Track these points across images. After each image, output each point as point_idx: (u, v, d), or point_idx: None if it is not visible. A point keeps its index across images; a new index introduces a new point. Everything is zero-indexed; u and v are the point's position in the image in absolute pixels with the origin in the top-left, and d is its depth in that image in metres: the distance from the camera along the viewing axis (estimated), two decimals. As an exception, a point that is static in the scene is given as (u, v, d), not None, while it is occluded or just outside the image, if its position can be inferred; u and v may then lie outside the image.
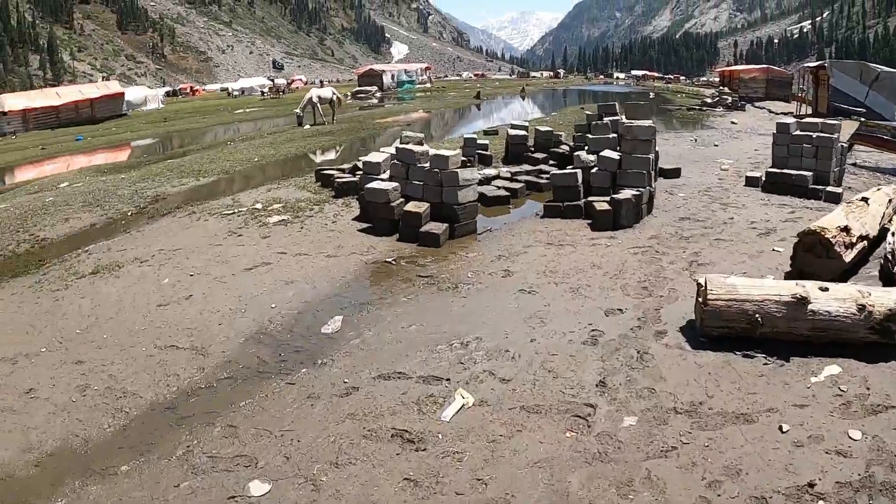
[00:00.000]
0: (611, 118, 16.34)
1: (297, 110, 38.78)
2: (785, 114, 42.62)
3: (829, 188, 15.80)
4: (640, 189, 13.34)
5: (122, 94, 79.94)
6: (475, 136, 20.16)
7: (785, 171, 16.32)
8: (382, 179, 13.90)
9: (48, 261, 13.33)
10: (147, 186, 20.67)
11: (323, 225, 13.96)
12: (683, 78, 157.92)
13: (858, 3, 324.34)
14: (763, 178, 16.86)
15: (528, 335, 8.16)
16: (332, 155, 27.19)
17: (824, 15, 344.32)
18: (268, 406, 6.97)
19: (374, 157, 15.00)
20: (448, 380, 7.16)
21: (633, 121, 14.42)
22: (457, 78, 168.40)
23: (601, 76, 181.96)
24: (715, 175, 18.99)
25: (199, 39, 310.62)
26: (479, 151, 19.43)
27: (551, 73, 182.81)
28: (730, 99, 50.41)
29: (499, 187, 16.08)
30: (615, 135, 14.92)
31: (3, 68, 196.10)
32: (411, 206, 12.70)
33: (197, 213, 15.94)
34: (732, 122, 36.91)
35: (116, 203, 18.46)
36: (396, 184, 13.33)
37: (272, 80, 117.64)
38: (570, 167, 15.08)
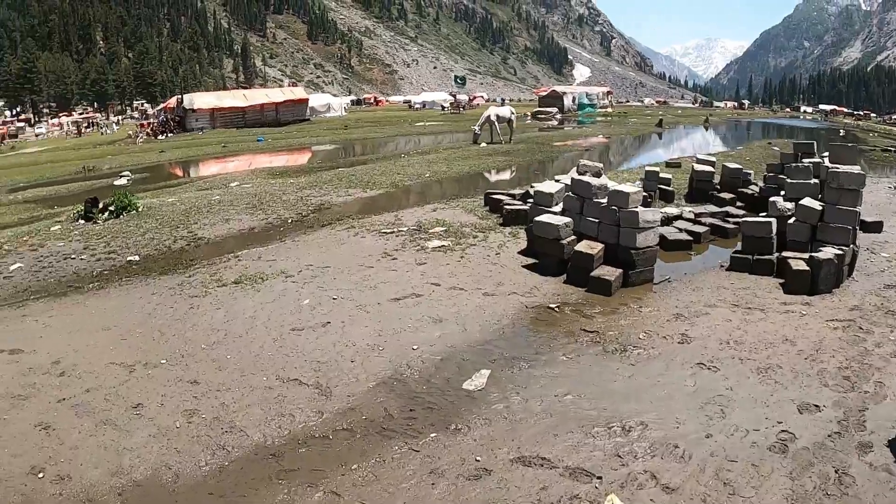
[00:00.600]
0: (810, 160, 14.67)
1: (475, 127, 38.17)
2: None
3: None
4: (844, 247, 11.49)
5: (307, 100, 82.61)
6: (657, 168, 18.61)
7: None
8: (554, 212, 12.57)
9: (198, 262, 13.54)
10: (313, 194, 20.73)
11: (485, 256, 12.82)
12: (874, 115, 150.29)
13: None
14: None
15: (703, 428, 6.70)
16: (506, 175, 26.34)
17: None
18: (382, 475, 6.05)
19: (547, 186, 13.67)
20: (600, 478, 5.86)
21: (838, 165, 12.52)
22: (638, 104, 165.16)
23: (787, 109, 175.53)
24: None
25: (385, 52, 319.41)
26: (661, 186, 17.97)
27: (735, 104, 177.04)
28: None
29: (680, 229, 14.47)
30: (816, 180, 13.26)
31: (199, 69, 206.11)
32: (583, 246, 11.34)
33: (356, 228, 15.47)
34: None
35: (279, 208, 18.58)
36: (569, 219, 11.99)
37: (454, 96, 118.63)
38: (763, 214, 13.36)
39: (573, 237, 11.87)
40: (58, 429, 7.09)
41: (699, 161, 19.31)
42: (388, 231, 14.91)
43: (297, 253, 13.63)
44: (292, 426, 6.98)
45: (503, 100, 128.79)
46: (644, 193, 15.93)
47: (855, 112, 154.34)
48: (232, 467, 6.32)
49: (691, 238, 13.97)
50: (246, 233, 16.41)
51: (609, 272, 10.95)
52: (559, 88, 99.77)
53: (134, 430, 6.94)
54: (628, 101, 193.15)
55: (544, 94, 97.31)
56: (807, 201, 12.26)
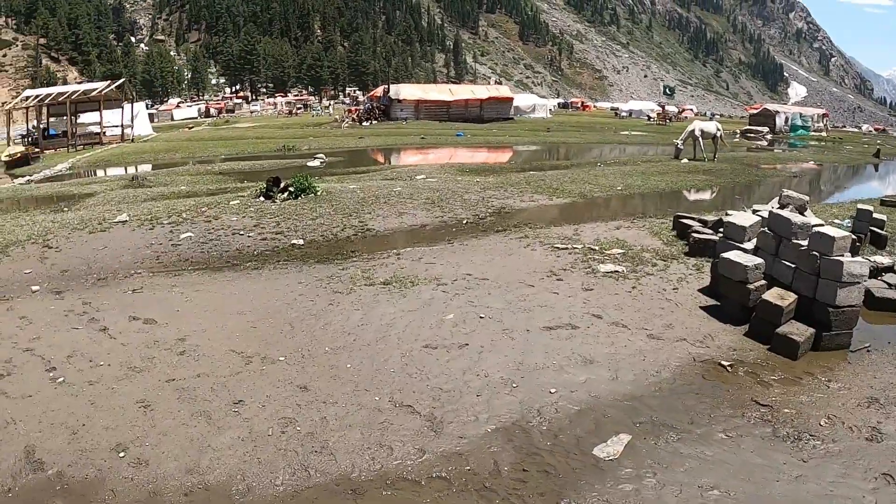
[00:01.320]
0: None
1: (678, 141, 36.01)
2: None
3: None
4: None
5: (511, 98, 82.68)
6: (871, 207, 16.36)
7: None
8: (745, 249, 10.83)
9: (358, 254, 13.53)
10: (496, 196, 20.28)
11: (660, 289, 11.30)
12: None
13: None
14: None
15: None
16: (704, 196, 24.47)
17: None
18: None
19: (741, 218, 11.87)
20: None
21: None
22: (855, 130, 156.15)
23: None
24: None
25: (595, 57, 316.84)
26: (873, 228, 15.84)
27: None
28: None
29: (890, 285, 12.44)
30: None
31: (411, 62, 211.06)
32: (772, 296, 9.59)
33: (528, 239, 14.65)
34: None
35: (458, 207, 18.29)
36: (761, 260, 10.21)
37: (662, 106, 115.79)
38: None
39: (763, 282, 10.12)
40: (156, 410, 7.14)
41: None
42: (562, 246, 13.79)
43: (459, 258, 12.97)
44: (386, 461, 6.32)
45: (712, 114, 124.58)
46: (853, 237, 14.06)
47: None
48: (306, 494, 5.87)
49: None
50: (417, 229, 16.19)
51: (798, 331, 9.19)
52: (772, 107, 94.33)
53: (226, 428, 6.80)
54: (844, 126, 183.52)
55: (755, 111, 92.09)
56: None
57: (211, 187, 23.43)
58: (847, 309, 9.38)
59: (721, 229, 12.67)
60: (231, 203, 17.68)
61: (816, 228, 9.69)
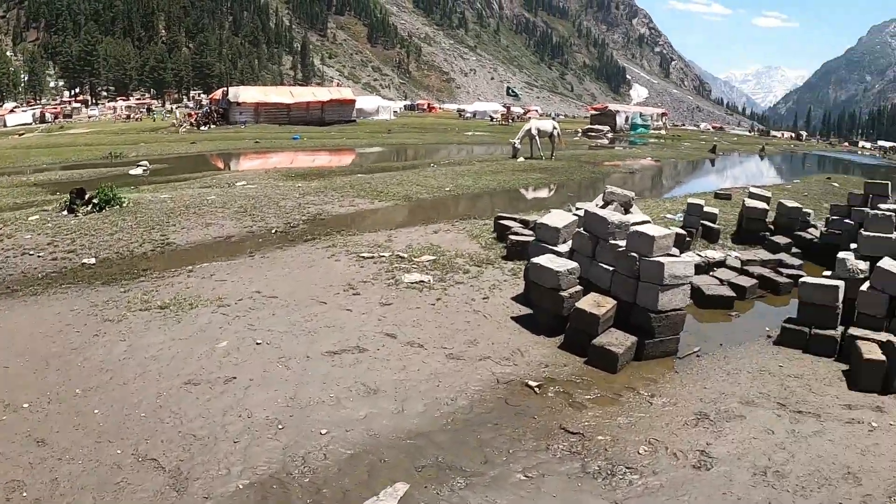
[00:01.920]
0: (890, 207, 11.98)
1: (514, 141, 35.37)
2: None
3: None
4: None
5: (353, 101, 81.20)
6: (702, 201, 15.76)
7: None
8: (558, 253, 9.89)
9: (149, 273, 12.05)
10: (314, 202, 18.99)
11: (469, 299, 10.17)
12: None
13: None
14: None
15: None
16: (537, 194, 23.88)
17: None
18: None
19: (555, 218, 10.85)
20: None
21: None
22: (693, 128, 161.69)
23: (845, 143, 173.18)
24: None
25: (443, 60, 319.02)
26: (705, 222, 15.24)
27: (792, 135, 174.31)
28: None
29: (722, 281, 11.78)
30: None
31: (258, 64, 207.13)
32: (588, 303, 8.62)
33: (336, 248, 13.33)
34: None
35: (271, 216, 16.93)
36: (575, 264, 9.26)
37: (507, 107, 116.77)
38: (828, 273, 10.53)
39: (578, 288, 9.16)
40: None
41: (752, 195, 16.55)
42: (369, 255, 12.54)
43: (255, 273, 11.59)
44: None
45: (556, 114, 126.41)
46: (683, 233, 13.39)
47: None
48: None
49: (734, 294, 11.27)
50: (221, 241, 14.70)
51: (618, 341, 8.24)
52: (613, 106, 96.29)
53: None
54: (684, 125, 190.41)
55: (597, 111, 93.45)
56: (887, 263, 9.37)
57: (18, 201, 21.27)
58: (671, 313, 8.53)
59: (544, 229, 11.59)
60: (30, 219, 15.85)
61: (635, 227, 8.73)
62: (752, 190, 17.56)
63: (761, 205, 15.68)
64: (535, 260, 9.31)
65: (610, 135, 68.90)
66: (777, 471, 6.14)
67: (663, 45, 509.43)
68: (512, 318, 9.55)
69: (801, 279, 9.77)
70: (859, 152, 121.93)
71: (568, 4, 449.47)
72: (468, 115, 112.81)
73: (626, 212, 11.94)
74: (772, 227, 15.82)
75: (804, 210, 16.05)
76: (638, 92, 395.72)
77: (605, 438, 6.50)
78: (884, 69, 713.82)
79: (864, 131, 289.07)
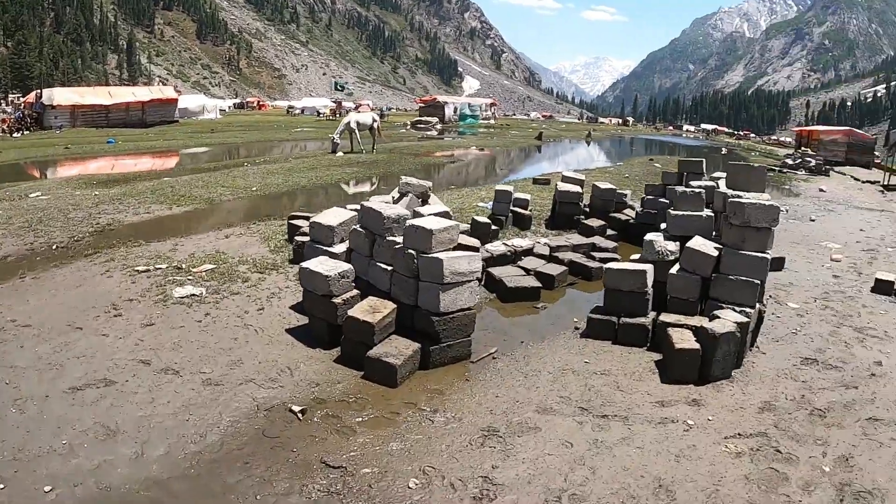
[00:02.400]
0: (701, 183, 11.47)
1: (334, 136, 34.11)
2: (871, 182, 40.59)
3: None
4: (748, 309, 8.16)
5: (175, 100, 77.60)
6: (510, 188, 15.10)
7: None
8: (333, 254, 8.80)
9: None
10: (108, 210, 17.11)
11: (242, 311, 8.95)
12: (753, 135, 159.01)
13: None
14: None
15: None
16: (351, 189, 22.60)
17: None
18: None
19: (329, 216, 9.69)
20: None
21: (741, 193, 9.13)
22: (524, 117, 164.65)
23: (670, 127, 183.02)
24: (826, 268, 14.17)
25: (274, 56, 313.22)
26: (515, 209, 14.53)
27: (620, 121, 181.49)
28: (813, 162, 45.43)
29: (528, 271, 11.01)
30: (710, 212, 9.96)
31: (81, 64, 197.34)
32: (361, 309, 7.53)
33: (114, 262, 11.63)
34: (821, 190, 32.28)
35: (56, 229, 14.88)
36: (348, 266, 8.14)
37: (338, 103, 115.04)
38: (636, 257, 9.95)
39: (355, 292, 8.06)
40: None
41: (565, 179, 15.96)
42: (144, 268, 10.99)
43: (16, 299, 9.81)
44: None
45: (388, 108, 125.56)
46: (486, 221, 12.59)
47: (735, 132, 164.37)
48: None
49: (540, 285, 10.47)
50: None
51: (397, 350, 7.19)
52: (441, 98, 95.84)
53: None
54: (514, 115, 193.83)
55: (425, 103, 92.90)
56: (698, 243, 8.80)
57: None
58: (458, 314, 7.56)
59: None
60: None
61: (411, 221, 7.67)
62: (566, 174, 16.98)
63: (574, 188, 15.11)
64: (304, 264, 8.15)
65: (439, 126, 68.47)
66: (574, 493, 5.26)
67: (494, 38, 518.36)
68: (287, 330, 8.39)
69: (606, 265, 9.00)
70: (683, 135, 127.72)
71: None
72: (297, 111, 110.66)
73: (424, 203, 11.01)
74: (587, 210, 15.30)
75: (620, 191, 15.58)
76: (470, 84, 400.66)
77: (371, 471, 5.45)
78: (706, 58, 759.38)
79: (688, 115, 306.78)
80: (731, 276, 8.34)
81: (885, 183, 40.41)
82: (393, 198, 11.14)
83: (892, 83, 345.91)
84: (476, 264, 7.56)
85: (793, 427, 6.57)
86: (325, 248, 8.89)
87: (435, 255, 7.31)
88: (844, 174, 46.07)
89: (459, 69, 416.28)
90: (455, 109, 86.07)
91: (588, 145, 61.62)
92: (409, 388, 7.03)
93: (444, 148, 42.13)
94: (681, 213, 9.91)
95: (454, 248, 7.70)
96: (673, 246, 9.16)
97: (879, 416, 6.96)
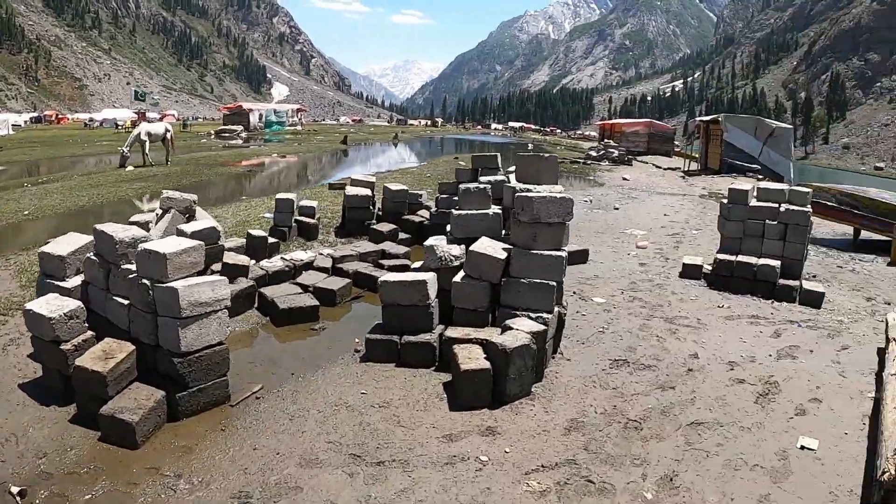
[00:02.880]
0: (492, 177, 10.82)
1: (123, 149, 31.68)
2: (672, 169, 42.72)
3: (806, 284, 11.31)
4: (545, 315, 7.45)
5: (-50, 118, 71.90)
6: (293, 195, 13.83)
7: (741, 258, 11.50)
8: (66, 289, 7.35)
9: None
10: None
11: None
12: (560, 131, 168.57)
13: (728, 65, 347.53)
14: (710, 268, 11.96)
15: None
16: (135, 207, 20.24)
17: (696, 76, 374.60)
18: None
19: (62, 244, 7.98)
20: None
21: (531, 186, 8.35)
22: (333, 122, 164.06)
23: (479, 126, 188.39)
24: (633, 257, 14.05)
25: (75, 65, 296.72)
26: (301, 218, 13.49)
27: (429, 122, 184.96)
28: (615, 152, 47.44)
29: (306, 288, 10.00)
30: (498, 209, 9.16)
31: None
32: (91, 357, 6.19)
33: None
34: (624, 178, 33.53)
35: None
36: (78, 303, 6.74)
37: (141, 113, 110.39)
38: (418, 265, 9.05)
39: (90, 335, 6.69)
40: None
41: (354, 182, 15.06)
42: None
43: None
44: None
45: (195, 117, 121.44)
46: (262, 234, 11.57)
47: (542, 128, 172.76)
48: None
49: (318, 303, 9.45)
50: None
51: (136, 403, 5.92)
52: (246, 105, 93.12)
53: None
54: (324, 120, 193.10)
55: (230, 111, 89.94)
56: (482, 244, 7.96)
57: None
58: (205, 352, 6.38)
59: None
60: None
61: (143, 245, 6.41)
62: (354, 177, 16.05)
63: (363, 191, 14.25)
64: (29, 305, 6.69)
65: (244, 134, 66.84)
66: None
67: (304, 43, 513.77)
68: (21, 385, 6.95)
69: (381, 278, 8.02)
70: (492, 133, 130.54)
71: (207, 3, 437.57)
72: (96, 124, 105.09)
73: (191, 218, 9.84)
74: (380, 213, 14.47)
75: (413, 192, 14.81)
76: (279, 90, 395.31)
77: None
78: (512, 59, 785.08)
79: (497, 115, 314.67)
80: (523, 280, 7.57)
81: (686, 169, 42.63)
82: (156, 214, 9.91)
83: (689, 78, 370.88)
84: (223, 291, 6.34)
85: (605, 447, 5.84)
86: (57, 282, 7.45)
87: (171, 283, 6.11)
88: (647, 163, 47.85)
89: (269, 75, 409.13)
90: (261, 117, 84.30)
91: (395, 147, 61.59)
92: (153, 448, 5.82)
93: (247, 157, 40.36)
94: (464, 212, 9.03)
95: (200, 273, 6.53)
96: (457, 250, 8.26)
97: (702, 419, 6.41)
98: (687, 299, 10.71)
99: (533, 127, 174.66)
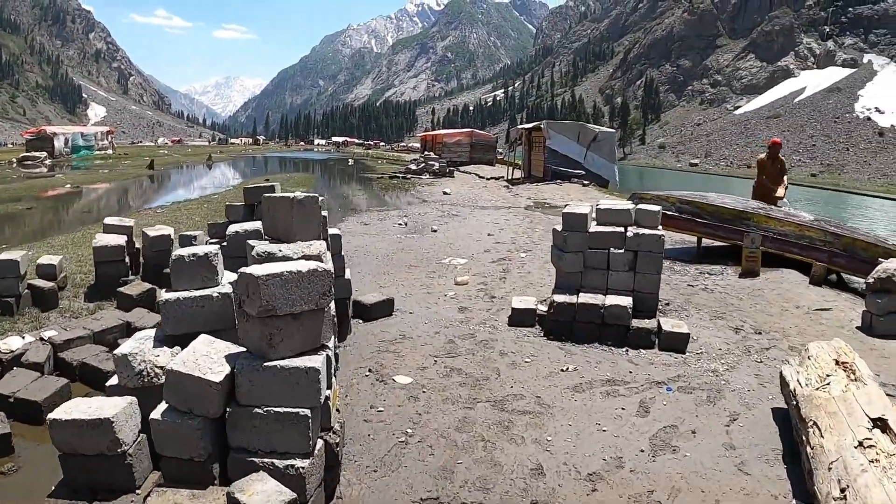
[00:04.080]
0: (248, 225, 7.92)
1: None
2: (496, 179, 42.19)
3: (664, 323, 8.87)
4: (298, 463, 4.53)
5: None
6: (19, 254, 9.70)
7: (584, 297, 9.04)
8: None
9: None
10: None
11: None
12: (384, 144, 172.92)
13: (548, 74, 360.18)
14: (546, 311, 9.45)
15: None
16: None
17: (516, 85, 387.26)
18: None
19: None
20: None
21: (281, 247, 5.54)
22: (151, 144, 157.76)
23: (301, 143, 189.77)
24: (451, 298, 11.29)
25: None
26: (36, 282, 10.22)
27: (250, 140, 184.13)
28: (437, 164, 46.48)
29: (7, 397, 6.62)
30: (228, 291, 5.51)
31: None
32: None
33: None
34: (445, 193, 31.55)
35: None
36: None
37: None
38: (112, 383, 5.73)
39: None
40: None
41: (107, 228, 11.80)
42: None
43: None
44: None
45: (4, 143, 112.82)
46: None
47: (366, 142, 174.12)
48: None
49: (8, 429, 6.09)
50: None
51: None
52: (49, 129, 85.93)
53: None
54: (142, 142, 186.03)
55: (32, 136, 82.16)
56: (192, 353, 4.82)
57: None
58: None
59: None
60: None
61: None
62: (108, 221, 12.22)
63: (115, 240, 11.03)
64: None
65: (48, 161, 61.68)
66: None
67: (122, 61, 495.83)
68: None
69: (51, 415, 4.64)
70: (315, 149, 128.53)
71: (19, 18, 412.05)
72: None
73: None
74: (142, 262, 11.47)
75: (187, 234, 11.45)
76: (95, 111, 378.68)
77: None
78: (335, 73, 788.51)
79: (320, 130, 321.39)
80: (257, 409, 4.62)
81: (510, 178, 42.09)
82: None
83: (510, 88, 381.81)
84: None
85: None
86: None
87: None
88: (469, 173, 47.83)
89: (84, 95, 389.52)
90: (66, 141, 78.41)
91: (210, 169, 58.30)
92: None
93: (35, 189, 35.83)
94: (177, 295, 5.50)
95: None
96: (165, 357, 5.21)
97: None
98: (521, 363, 8.05)
99: (357, 141, 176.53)
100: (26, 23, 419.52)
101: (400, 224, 19.95)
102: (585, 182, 35.40)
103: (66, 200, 31.37)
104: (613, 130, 46.42)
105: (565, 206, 9.97)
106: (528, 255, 15.05)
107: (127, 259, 11.21)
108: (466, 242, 16.68)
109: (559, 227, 9.56)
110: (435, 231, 18.63)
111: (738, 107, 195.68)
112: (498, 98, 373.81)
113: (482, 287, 11.94)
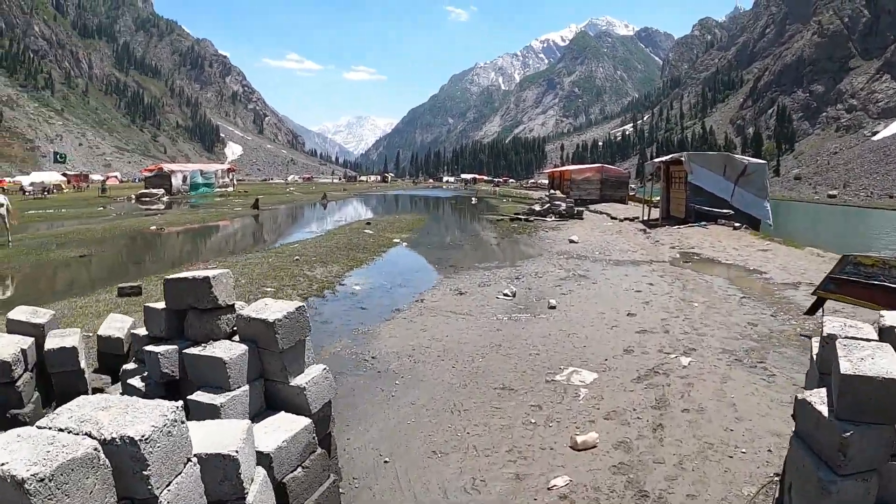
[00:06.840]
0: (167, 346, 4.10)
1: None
2: (630, 220, 37.43)
3: None
4: None
5: None
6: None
7: None
8: None
9: None
10: None
11: None
12: (512, 180, 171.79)
13: (676, 106, 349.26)
14: None
15: None
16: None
17: (645, 118, 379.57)
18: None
19: None
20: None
21: None
22: (280, 181, 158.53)
23: (430, 180, 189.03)
24: (559, 502, 5.75)
25: (27, 126, 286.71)
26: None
27: (378, 177, 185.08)
28: (563, 205, 41.57)
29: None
30: None
31: None
32: None
33: None
34: (571, 241, 26.20)
35: None
36: None
37: (82, 175, 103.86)
38: None
39: None
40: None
41: (10, 326, 7.50)
42: None
43: None
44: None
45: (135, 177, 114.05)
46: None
47: (495, 178, 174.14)
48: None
49: None
50: None
51: None
52: (168, 167, 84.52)
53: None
54: (272, 179, 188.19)
55: (151, 173, 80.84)
56: None
57: None
58: None
59: None
60: None
61: None
62: (12, 316, 8.13)
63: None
64: None
65: (165, 198, 60.25)
66: None
67: (257, 102, 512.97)
68: None
69: None
70: (444, 186, 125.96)
71: (160, 64, 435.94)
72: (29, 188, 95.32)
73: None
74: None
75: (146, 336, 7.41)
76: (233, 150, 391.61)
77: None
78: (464, 111, 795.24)
79: (450, 167, 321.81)
80: None
81: (646, 218, 37.34)
82: None
83: (639, 121, 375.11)
84: None
85: None
86: None
87: None
88: (600, 213, 43.67)
89: (222, 135, 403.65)
90: (185, 178, 77.22)
91: (325, 209, 54.78)
92: None
93: (112, 230, 32.54)
94: None
95: None
96: None
97: None
98: None
99: (485, 178, 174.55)
100: (167, 67, 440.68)
101: (506, 295, 14.37)
102: (737, 224, 29.51)
103: (134, 246, 27.63)
104: (764, 162, 38.94)
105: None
106: (694, 364, 9.15)
107: (25, 376, 6.68)
108: (597, 331, 11.14)
109: (812, 400, 3.83)
110: (553, 308, 13.10)
111: (876, 132, 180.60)
112: (627, 132, 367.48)
113: (622, 461, 6.17)
